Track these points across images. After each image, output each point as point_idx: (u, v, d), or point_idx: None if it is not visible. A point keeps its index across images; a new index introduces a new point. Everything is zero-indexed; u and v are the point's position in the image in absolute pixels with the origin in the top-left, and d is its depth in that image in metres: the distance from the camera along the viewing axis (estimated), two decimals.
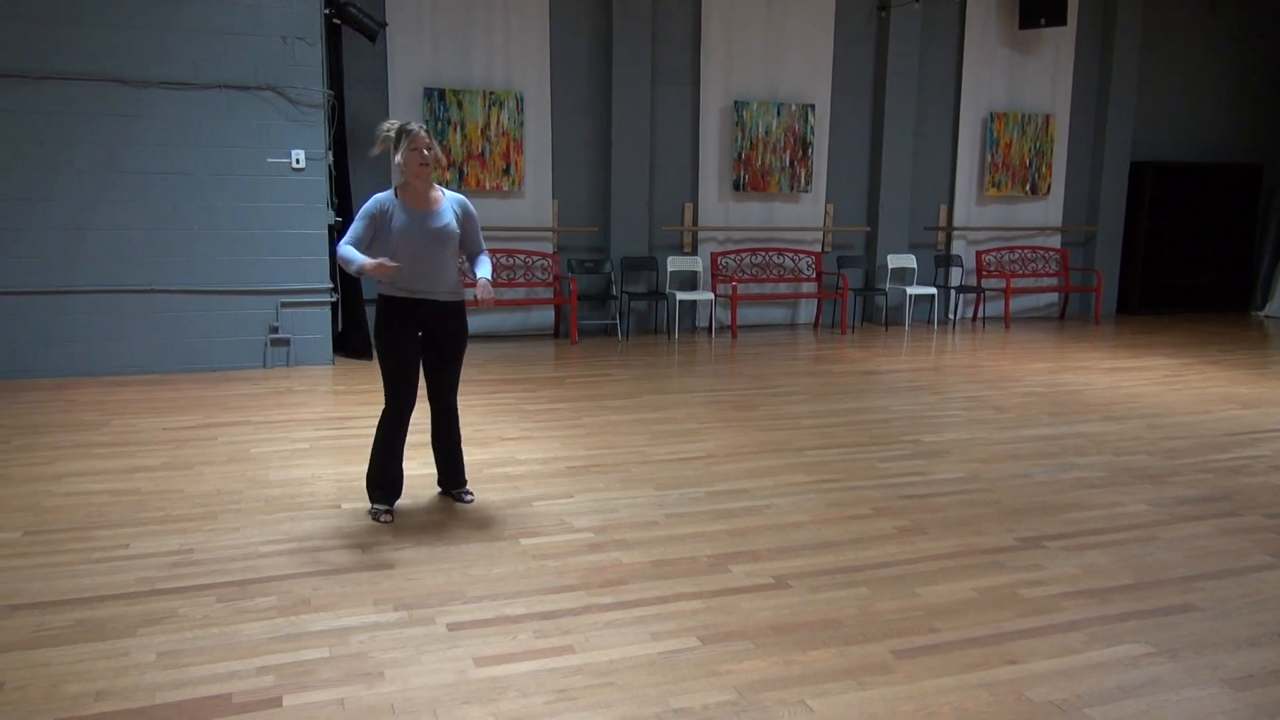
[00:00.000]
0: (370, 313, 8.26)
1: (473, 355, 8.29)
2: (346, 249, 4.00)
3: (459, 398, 4.61)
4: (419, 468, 4.90)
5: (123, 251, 7.17)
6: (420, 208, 4.11)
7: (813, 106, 10.21)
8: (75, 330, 7.15)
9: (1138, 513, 4.40)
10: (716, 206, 10.16)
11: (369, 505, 4.26)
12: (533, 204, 9.44)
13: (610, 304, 9.79)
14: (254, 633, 3.08)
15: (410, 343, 4.15)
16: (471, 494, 4.50)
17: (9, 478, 4.70)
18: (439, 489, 4.55)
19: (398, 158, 4.07)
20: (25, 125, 6.88)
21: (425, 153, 4.04)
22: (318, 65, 7.50)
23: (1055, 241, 11.63)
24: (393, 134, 4.07)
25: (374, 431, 4.24)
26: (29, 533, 3.95)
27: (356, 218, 4.11)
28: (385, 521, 4.16)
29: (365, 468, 4.75)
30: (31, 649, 2.96)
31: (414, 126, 4.06)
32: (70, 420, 5.86)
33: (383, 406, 4.22)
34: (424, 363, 4.27)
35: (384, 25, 8.30)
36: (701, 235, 10.19)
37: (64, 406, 6.22)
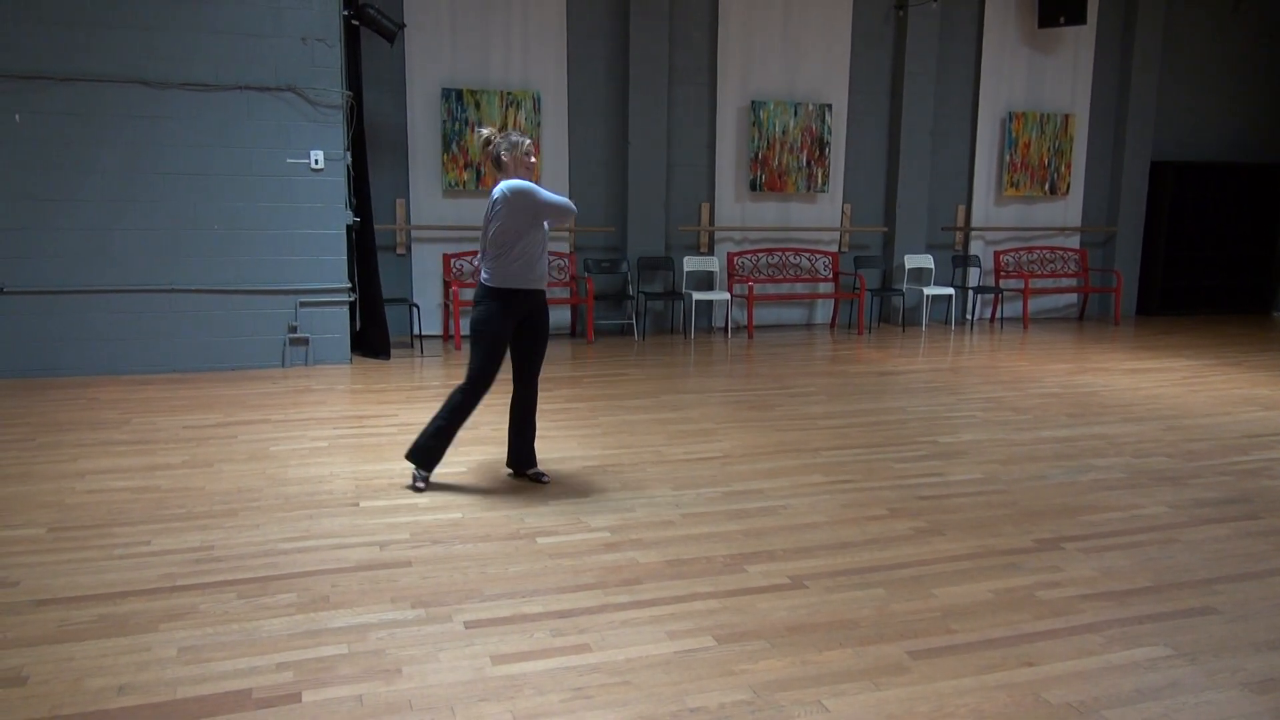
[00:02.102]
0: (390, 313, 8.34)
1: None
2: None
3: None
4: (440, 466, 4.92)
5: (145, 251, 7.25)
6: None
7: (830, 106, 10.19)
8: (98, 329, 7.22)
9: (1157, 515, 4.37)
10: (733, 206, 10.16)
11: (413, 470, 4.65)
12: None
13: (627, 304, 9.81)
14: (274, 629, 3.11)
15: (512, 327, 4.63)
16: (546, 475, 4.76)
17: (34, 475, 4.76)
18: (509, 471, 4.84)
19: (504, 159, 4.49)
20: (53, 126, 6.96)
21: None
22: (337, 66, 7.55)
23: (1074, 242, 11.56)
24: (523, 143, 4.50)
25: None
26: (53, 529, 4.01)
27: (544, 190, 4.48)
28: (420, 489, 4.56)
29: (383, 466, 4.91)
30: (56, 644, 3.00)
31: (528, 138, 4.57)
32: (93, 418, 5.93)
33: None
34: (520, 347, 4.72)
35: (402, 26, 8.35)
36: (718, 235, 10.19)
37: (87, 405, 6.29)
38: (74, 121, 6.99)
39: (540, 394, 6.76)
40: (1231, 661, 2.98)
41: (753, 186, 10.09)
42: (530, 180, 4.49)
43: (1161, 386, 7.33)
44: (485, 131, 4.58)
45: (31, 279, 7.04)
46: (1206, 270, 12.09)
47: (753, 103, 9.95)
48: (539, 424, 5.87)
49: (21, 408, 6.18)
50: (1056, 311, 11.69)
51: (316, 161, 7.53)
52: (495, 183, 4.50)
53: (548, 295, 9.39)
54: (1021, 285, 11.05)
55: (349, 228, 7.78)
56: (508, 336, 4.55)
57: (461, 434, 5.38)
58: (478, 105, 9.04)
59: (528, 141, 4.53)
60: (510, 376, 4.78)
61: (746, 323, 9.90)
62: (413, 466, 4.69)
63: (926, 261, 10.69)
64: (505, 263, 4.44)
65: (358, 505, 4.35)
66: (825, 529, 4.11)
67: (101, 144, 7.07)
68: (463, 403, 4.56)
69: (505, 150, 4.50)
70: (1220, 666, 2.94)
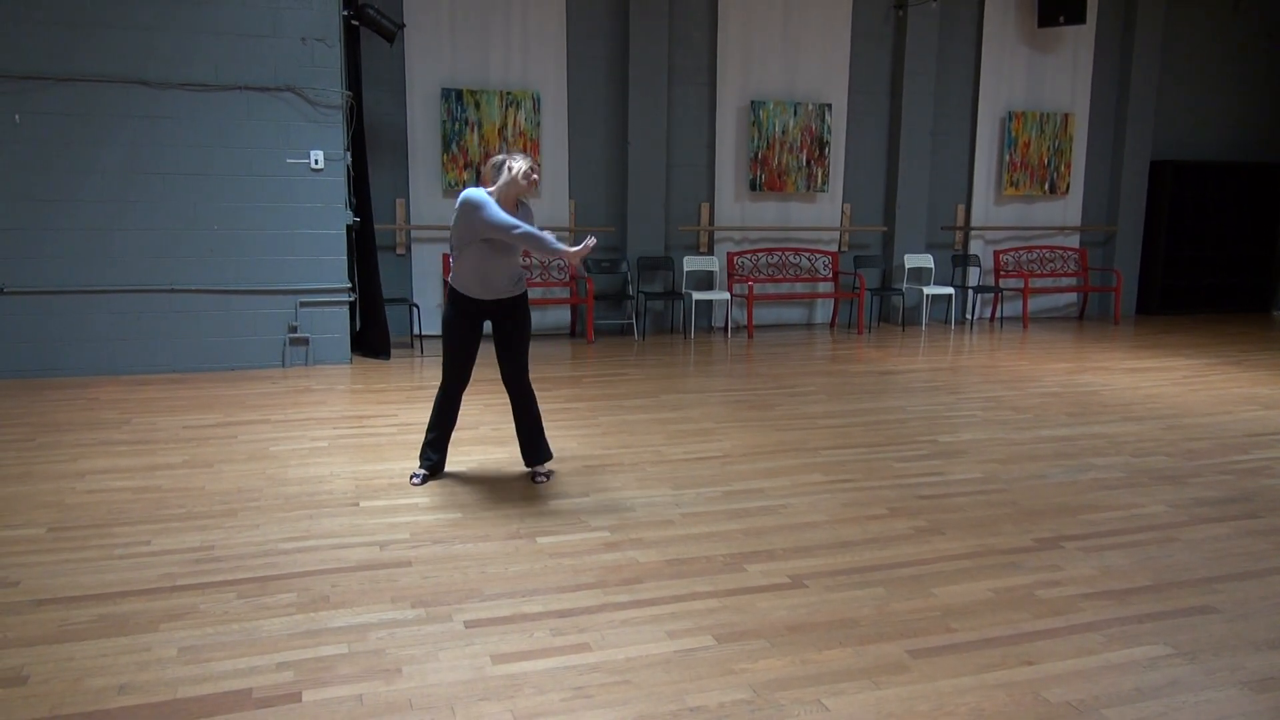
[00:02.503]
0: (390, 313, 8.33)
1: (490, 354, 8.32)
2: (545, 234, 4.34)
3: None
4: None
5: (145, 252, 7.24)
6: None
7: (830, 106, 10.19)
8: (98, 329, 7.22)
9: (1157, 514, 4.37)
10: (733, 206, 10.16)
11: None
12: (549, 204, 9.46)
13: (627, 304, 9.81)
14: (274, 629, 3.11)
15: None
16: (544, 475, 4.76)
17: (33, 475, 4.76)
18: (526, 467, 4.87)
19: (509, 176, 4.38)
20: (53, 126, 6.95)
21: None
22: (336, 66, 7.55)
23: (1074, 241, 11.56)
24: (507, 161, 4.41)
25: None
26: (53, 529, 4.01)
27: (494, 209, 4.28)
28: (414, 484, 4.63)
29: (383, 466, 4.99)
30: (56, 643, 3.00)
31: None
32: (93, 418, 5.93)
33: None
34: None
35: (402, 26, 8.35)
36: (718, 235, 10.19)
37: (87, 405, 6.29)
38: (74, 121, 6.99)
39: (540, 394, 6.75)
40: (1231, 660, 2.98)
41: (752, 186, 10.09)
42: (524, 193, 4.42)
43: (1161, 386, 7.33)
44: (494, 162, 4.47)
45: (31, 279, 7.04)
46: (1206, 270, 12.08)
47: (752, 102, 9.95)
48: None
49: (21, 408, 6.18)
50: (1056, 311, 11.69)
51: (316, 161, 7.53)
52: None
53: (552, 295, 9.49)
54: (1021, 285, 11.05)
55: (349, 228, 7.78)
56: (468, 337, 4.62)
57: (462, 434, 5.38)
58: (477, 105, 9.04)
59: (525, 166, 4.40)
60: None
61: (746, 322, 9.90)
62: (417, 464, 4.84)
63: (926, 261, 10.69)
64: (458, 267, 4.50)
65: (358, 505, 4.35)
66: (825, 528, 4.11)
67: (101, 144, 7.06)
68: (438, 401, 4.71)
69: (510, 158, 4.42)
70: (1220, 665, 2.95)
